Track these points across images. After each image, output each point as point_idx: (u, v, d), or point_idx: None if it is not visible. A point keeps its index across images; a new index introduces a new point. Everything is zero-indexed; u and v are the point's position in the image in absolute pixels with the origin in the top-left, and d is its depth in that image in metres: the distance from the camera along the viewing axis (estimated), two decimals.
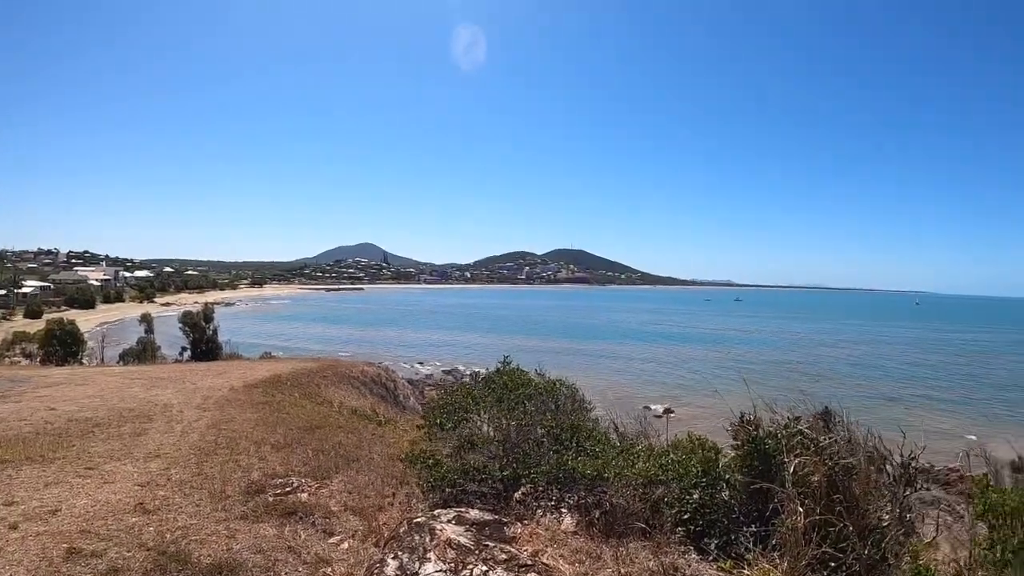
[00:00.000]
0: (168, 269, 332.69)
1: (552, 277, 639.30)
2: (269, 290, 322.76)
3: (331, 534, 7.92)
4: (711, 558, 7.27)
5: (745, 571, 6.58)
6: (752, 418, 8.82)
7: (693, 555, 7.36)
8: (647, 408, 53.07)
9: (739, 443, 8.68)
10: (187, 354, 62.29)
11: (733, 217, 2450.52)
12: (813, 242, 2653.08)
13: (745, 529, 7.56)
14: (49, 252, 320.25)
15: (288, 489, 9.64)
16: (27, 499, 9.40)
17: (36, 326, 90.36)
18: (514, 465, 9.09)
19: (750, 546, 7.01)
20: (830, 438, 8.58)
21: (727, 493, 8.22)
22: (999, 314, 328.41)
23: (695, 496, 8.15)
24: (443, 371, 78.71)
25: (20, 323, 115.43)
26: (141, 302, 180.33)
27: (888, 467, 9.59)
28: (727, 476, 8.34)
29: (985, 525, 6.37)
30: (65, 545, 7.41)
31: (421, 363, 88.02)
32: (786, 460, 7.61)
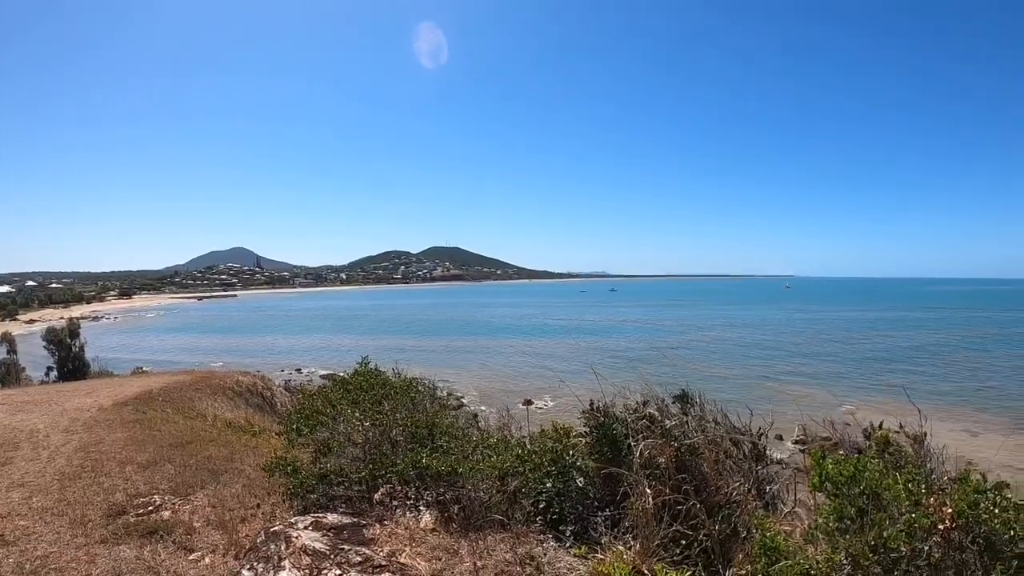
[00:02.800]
0: (31, 283, 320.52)
1: (428, 276, 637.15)
2: (139, 301, 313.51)
3: (191, 551, 7.95)
4: (567, 545, 7.55)
5: (599, 555, 6.88)
6: (601, 405, 9.20)
7: (551, 543, 7.60)
8: (528, 402, 53.64)
9: (589, 429, 9.05)
10: (53, 374, 60.39)
11: (606, 208, 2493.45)
12: (686, 230, 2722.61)
13: (599, 514, 7.89)
14: None
15: (150, 508, 9.61)
16: None
17: None
18: (371, 466, 9.23)
19: (604, 530, 7.32)
20: (676, 420, 9.04)
21: (582, 480, 8.55)
22: (870, 294, 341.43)
23: (548, 485, 8.45)
24: (321, 375, 78.00)
25: None
26: (3, 320, 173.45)
27: (743, 444, 10.13)
28: (578, 463, 8.68)
29: (824, 495, 6.74)
30: None
31: (299, 369, 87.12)
32: (633, 443, 7.98)
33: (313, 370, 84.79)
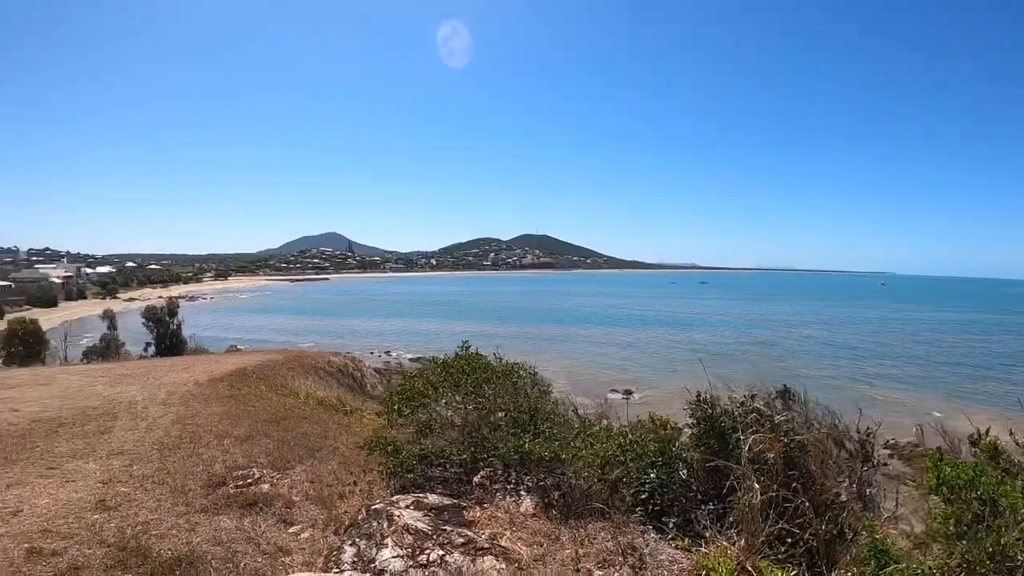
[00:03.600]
0: (131, 264, 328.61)
1: (518, 263, 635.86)
2: (234, 282, 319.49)
3: (291, 524, 7.93)
4: (669, 537, 7.31)
5: (703, 548, 6.64)
6: (708, 397, 8.91)
7: (652, 534, 7.39)
8: (613, 391, 53.28)
9: (695, 421, 8.77)
10: (151, 350, 61.86)
11: (699, 200, 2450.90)
12: (781, 224, 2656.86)
13: (703, 507, 7.62)
14: (9, 251, 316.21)
15: (249, 481, 9.64)
16: None
17: None
18: (472, 449, 9.11)
19: (708, 524, 7.06)
20: (786, 415, 8.71)
21: (685, 472, 8.29)
22: (963, 294, 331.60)
23: (652, 475, 8.22)
24: (410, 359, 78.50)
25: None
26: (104, 299, 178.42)
27: (847, 443, 9.75)
28: (684, 455, 8.42)
29: (940, 499, 6.42)
30: (26, 545, 7.41)
31: (388, 351, 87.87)
32: (742, 437, 7.69)
33: (402, 353, 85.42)
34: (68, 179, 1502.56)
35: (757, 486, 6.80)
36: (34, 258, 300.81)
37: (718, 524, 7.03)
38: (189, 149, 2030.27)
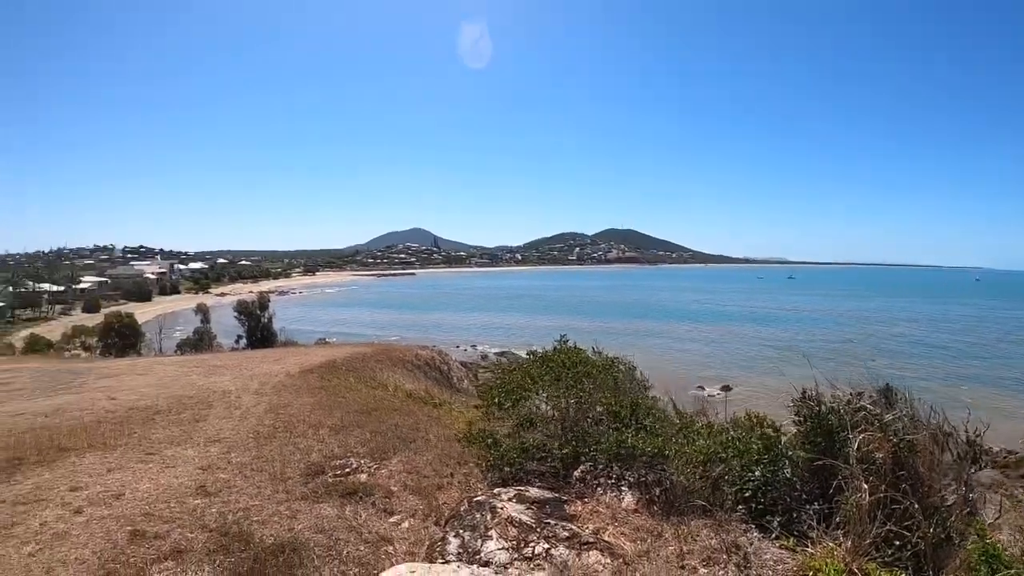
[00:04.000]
0: (222, 260, 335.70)
1: (603, 258, 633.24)
2: (322, 277, 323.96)
3: (391, 513, 7.91)
4: (773, 536, 7.12)
5: (809, 549, 6.45)
6: (814, 394, 8.66)
7: (755, 533, 7.22)
8: (700, 388, 52.76)
9: (801, 419, 8.52)
10: (243, 342, 63.22)
11: (786, 193, 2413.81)
12: (870, 217, 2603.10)
13: (808, 507, 7.42)
14: (105, 248, 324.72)
15: (347, 470, 9.68)
16: (91, 484, 9.55)
17: (95, 320, 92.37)
18: (574, 443, 9.00)
19: (813, 524, 6.86)
20: (894, 414, 8.42)
21: (789, 470, 8.08)
22: None
23: (757, 473, 8.01)
24: (496, 353, 78.74)
25: (79, 317, 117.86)
26: (196, 293, 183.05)
27: (952, 446, 9.40)
28: (789, 453, 8.19)
29: None
30: (129, 528, 7.51)
31: (474, 345, 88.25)
32: (850, 436, 7.46)
33: (487, 347, 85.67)
34: (161, 179, 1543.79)
35: (866, 486, 6.59)
36: (129, 255, 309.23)
37: (823, 524, 6.83)
38: (279, 149, 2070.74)
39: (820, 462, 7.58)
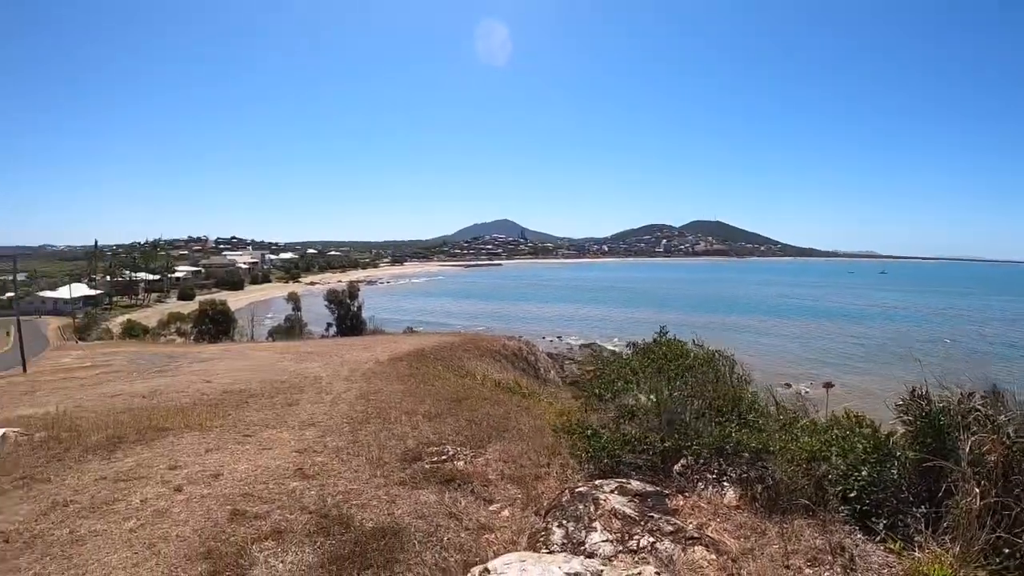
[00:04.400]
0: (311, 251, 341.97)
1: (690, 250, 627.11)
2: (409, 268, 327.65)
3: (490, 502, 7.85)
4: (878, 539, 6.90)
5: (915, 553, 6.22)
6: (924, 392, 8.38)
7: (859, 535, 7.00)
8: (787, 385, 51.90)
9: (910, 418, 8.25)
10: (333, 329, 64.45)
11: (878, 184, 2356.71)
12: (971, 209, 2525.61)
13: (914, 509, 7.17)
14: (199, 239, 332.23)
15: (444, 457, 9.66)
16: (190, 464, 9.72)
17: (189, 307, 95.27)
18: (676, 436, 8.85)
19: (921, 527, 6.62)
20: (1008, 416, 8.11)
21: (896, 471, 7.82)
22: None
23: (864, 473, 7.76)
24: (582, 344, 78.61)
25: (174, 305, 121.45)
26: (287, 282, 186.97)
27: None
28: (898, 453, 7.93)
29: None
30: (229, 507, 7.60)
31: (560, 336, 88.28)
32: (960, 437, 7.19)
33: (574, 339, 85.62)
34: (253, 173, 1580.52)
35: (977, 490, 6.32)
36: (222, 246, 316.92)
37: (930, 528, 6.59)
38: (367, 141, 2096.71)
39: (930, 463, 7.31)
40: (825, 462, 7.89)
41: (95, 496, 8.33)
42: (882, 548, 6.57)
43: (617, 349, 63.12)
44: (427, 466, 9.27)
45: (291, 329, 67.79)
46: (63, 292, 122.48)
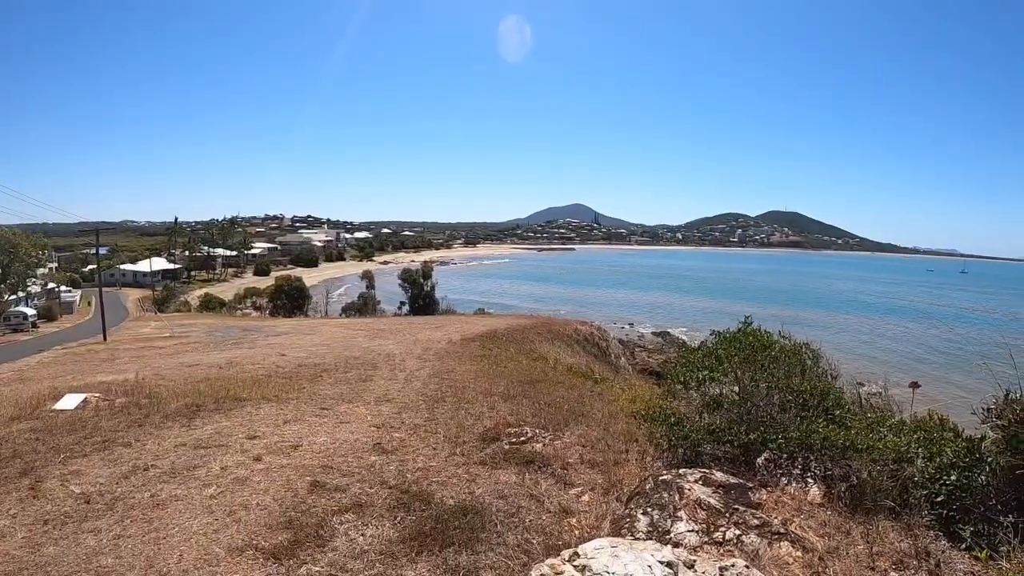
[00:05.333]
0: (386, 230, 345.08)
1: (765, 240, 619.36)
2: (482, 250, 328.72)
3: (571, 485, 7.77)
4: (963, 546, 6.69)
5: (1002, 563, 6.02)
6: (1019, 396, 8.11)
7: (944, 540, 6.81)
8: (860, 384, 51.02)
9: (1004, 423, 7.98)
10: (405, 308, 65.08)
11: (959, 179, 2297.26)
12: None
13: (1002, 518, 6.95)
14: (275, 217, 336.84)
15: (523, 438, 9.62)
16: (268, 434, 9.87)
17: (265, 283, 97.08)
18: (760, 429, 8.68)
19: (1008, 537, 6.41)
20: None
21: (985, 478, 7.58)
22: None
23: (952, 478, 7.53)
24: (653, 332, 78.21)
25: (250, 280, 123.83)
26: (361, 261, 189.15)
27: None
28: (989, 459, 7.67)
29: None
30: (308, 478, 7.66)
31: (631, 324, 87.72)
32: None
33: (645, 327, 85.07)
34: (330, 153, 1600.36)
35: None
36: (298, 224, 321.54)
37: (1017, 538, 6.38)
38: (441, 123, 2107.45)
39: (1023, 471, 7.09)
40: (911, 464, 7.70)
41: (175, 462, 8.50)
42: (968, 556, 6.39)
43: (688, 339, 62.91)
44: (506, 447, 9.24)
45: (364, 306, 68.59)
46: (143, 266, 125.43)
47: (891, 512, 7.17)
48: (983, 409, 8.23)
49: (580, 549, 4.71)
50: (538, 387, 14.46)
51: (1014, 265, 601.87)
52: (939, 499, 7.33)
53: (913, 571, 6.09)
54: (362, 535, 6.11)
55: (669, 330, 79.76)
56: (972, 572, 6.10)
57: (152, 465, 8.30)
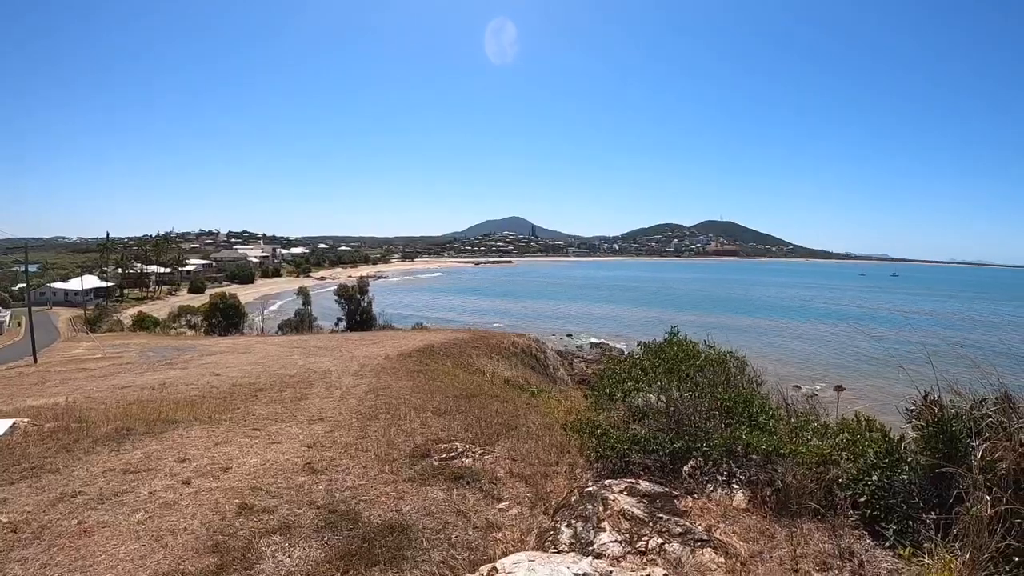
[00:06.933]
0: (322, 246, 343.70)
1: (701, 250, 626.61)
2: (420, 264, 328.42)
3: (498, 500, 7.82)
4: (887, 544, 6.86)
5: (925, 560, 6.18)
6: (936, 397, 8.33)
7: (868, 540, 6.97)
8: (797, 387, 51.75)
9: (923, 424, 8.19)
10: (342, 324, 64.77)
11: (889, 186, 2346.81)
12: (979, 214, 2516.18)
13: (924, 516, 7.13)
14: (211, 233, 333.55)
15: (453, 454, 9.66)
16: (199, 456, 9.77)
17: (200, 300, 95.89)
18: (686, 437, 8.81)
19: (931, 534, 6.58)
20: (1021, 422, 8.05)
21: (906, 477, 7.77)
22: None
23: (874, 478, 7.72)
24: (591, 343, 78.55)
25: (185, 297, 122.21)
26: (297, 276, 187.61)
27: None
28: (910, 458, 7.88)
29: None
30: (237, 501, 7.61)
31: (570, 335, 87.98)
32: (973, 444, 7.15)
33: (584, 338, 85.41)
34: (264, 168, 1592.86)
35: (988, 497, 6.28)
36: (233, 240, 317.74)
37: (939, 535, 6.55)
38: (377, 138, 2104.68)
39: (941, 469, 7.27)
40: (835, 466, 7.87)
41: (104, 487, 8.36)
42: (891, 554, 6.56)
43: (626, 348, 63.38)
44: (436, 463, 9.26)
45: (301, 323, 68.10)
46: (75, 284, 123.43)
47: (816, 514, 7.33)
48: (906, 410, 8.43)
49: (499, 564, 4.77)
50: (473, 401, 14.49)
51: (940, 268, 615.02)
52: (863, 499, 7.49)
53: (837, 571, 6.23)
54: (289, 557, 6.10)
55: (608, 340, 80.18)
56: (895, 570, 6.25)
57: (80, 491, 8.16)
